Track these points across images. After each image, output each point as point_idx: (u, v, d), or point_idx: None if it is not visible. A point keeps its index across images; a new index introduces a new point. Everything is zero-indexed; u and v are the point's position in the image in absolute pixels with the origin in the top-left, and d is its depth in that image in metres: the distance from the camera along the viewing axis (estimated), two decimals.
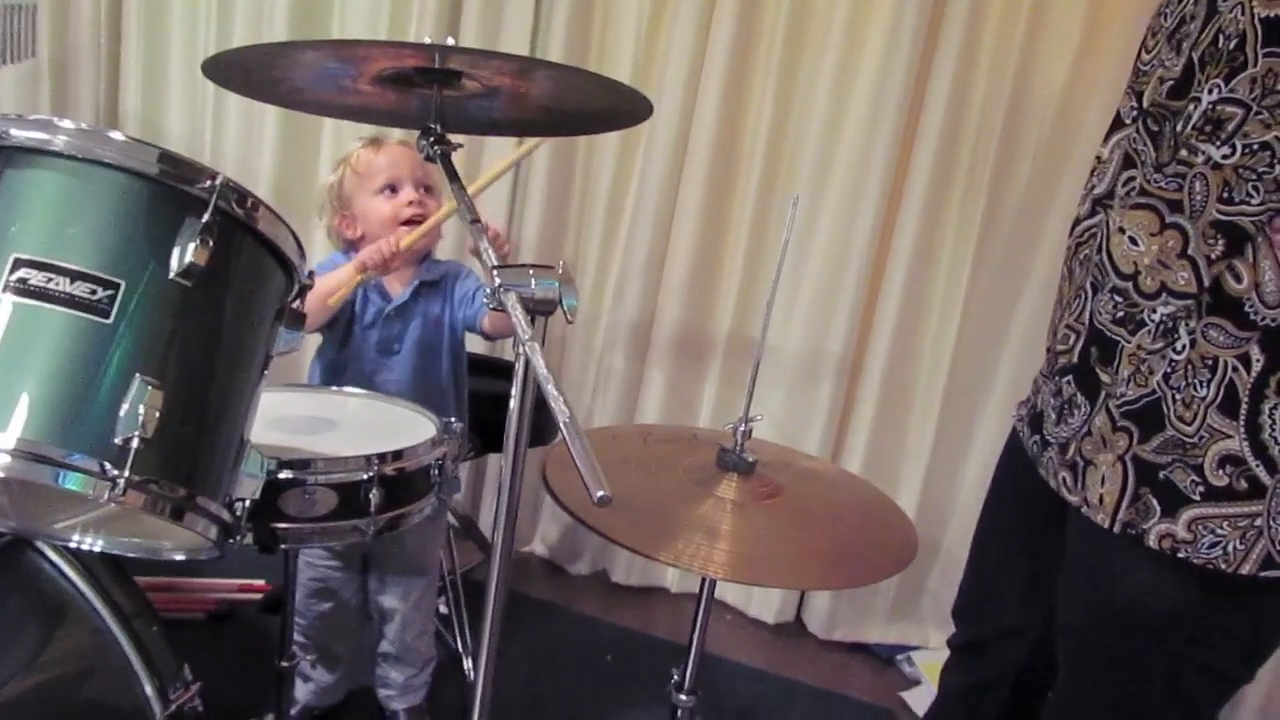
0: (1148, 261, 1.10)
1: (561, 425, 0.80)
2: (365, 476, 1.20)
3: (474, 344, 1.77)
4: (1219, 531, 1.09)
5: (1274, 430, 1.06)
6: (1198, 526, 1.10)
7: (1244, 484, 1.08)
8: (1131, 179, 1.17)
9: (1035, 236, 2.17)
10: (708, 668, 1.37)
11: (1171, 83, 1.13)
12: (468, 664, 2.06)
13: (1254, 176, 1.02)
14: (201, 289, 0.96)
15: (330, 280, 1.49)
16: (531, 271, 0.93)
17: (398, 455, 1.24)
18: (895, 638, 2.47)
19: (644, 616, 2.45)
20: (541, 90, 1.16)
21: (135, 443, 0.89)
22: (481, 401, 1.82)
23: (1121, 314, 1.15)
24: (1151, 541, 1.12)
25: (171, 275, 0.94)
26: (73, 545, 1.16)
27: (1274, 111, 0.99)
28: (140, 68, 2.52)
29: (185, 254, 0.93)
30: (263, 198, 1.01)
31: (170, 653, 1.25)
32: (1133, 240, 1.12)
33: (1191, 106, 1.08)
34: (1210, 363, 1.09)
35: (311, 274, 1.14)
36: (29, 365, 0.89)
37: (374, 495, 1.20)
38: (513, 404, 0.94)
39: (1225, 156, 1.03)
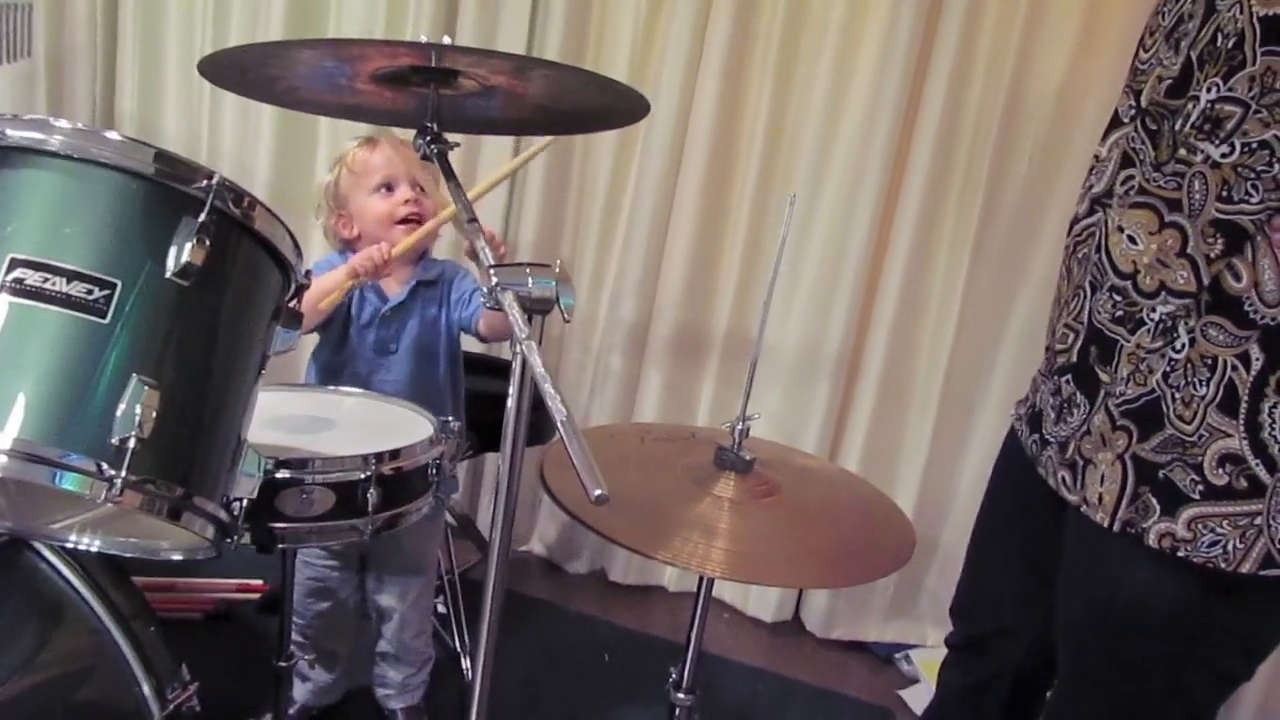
0: (1147, 260, 1.10)
1: (559, 424, 0.80)
2: (363, 476, 1.20)
3: (471, 343, 1.77)
4: (1219, 530, 1.09)
5: (1273, 429, 1.06)
6: (1197, 525, 1.10)
7: (1244, 483, 1.08)
8: (1130, 178, 1.17)
9: (1032, 235, 2.17)
10: (706, 666, 1.37)
11: (1170, 81, 1.13)
12: (466, 663, 2.06)
13: (1253, 175, 1.01)
14: (198, 289, 0.96)
15: (323, 284, 1.49)
16: (529, 270, 0.93)
17: (395, 455, 1.24)
18: (893, 636, 2.47)
19: (642, 615, 2.45)
20: (538, 89, 1.16)
21: (132, 443, 0.89)
22: (479, 401, 1.81)
23: (1120, 313, 1.15)
24: (1151, 540, 1.12)
25: (168, 275, 0.93)
26: (70, 545, 1.16)
27: (1273, 110, 0.99)
28: (136, 67, 2.51)
29: (182, 253, 0.93)
30: (259, 197, 1.01)
31: (168, 653, 1.25)
32: (1131, 239, 1.12)
33: (1190, 105, 1.08)
34: (1210, 361, 1.08)
35: (308, 273, 1.13)
36: (25, 365, 0.89)
37: (372, 495, 1.20)
38: (510, 403, 0.94)
39: (1224, 155, 1.03)
